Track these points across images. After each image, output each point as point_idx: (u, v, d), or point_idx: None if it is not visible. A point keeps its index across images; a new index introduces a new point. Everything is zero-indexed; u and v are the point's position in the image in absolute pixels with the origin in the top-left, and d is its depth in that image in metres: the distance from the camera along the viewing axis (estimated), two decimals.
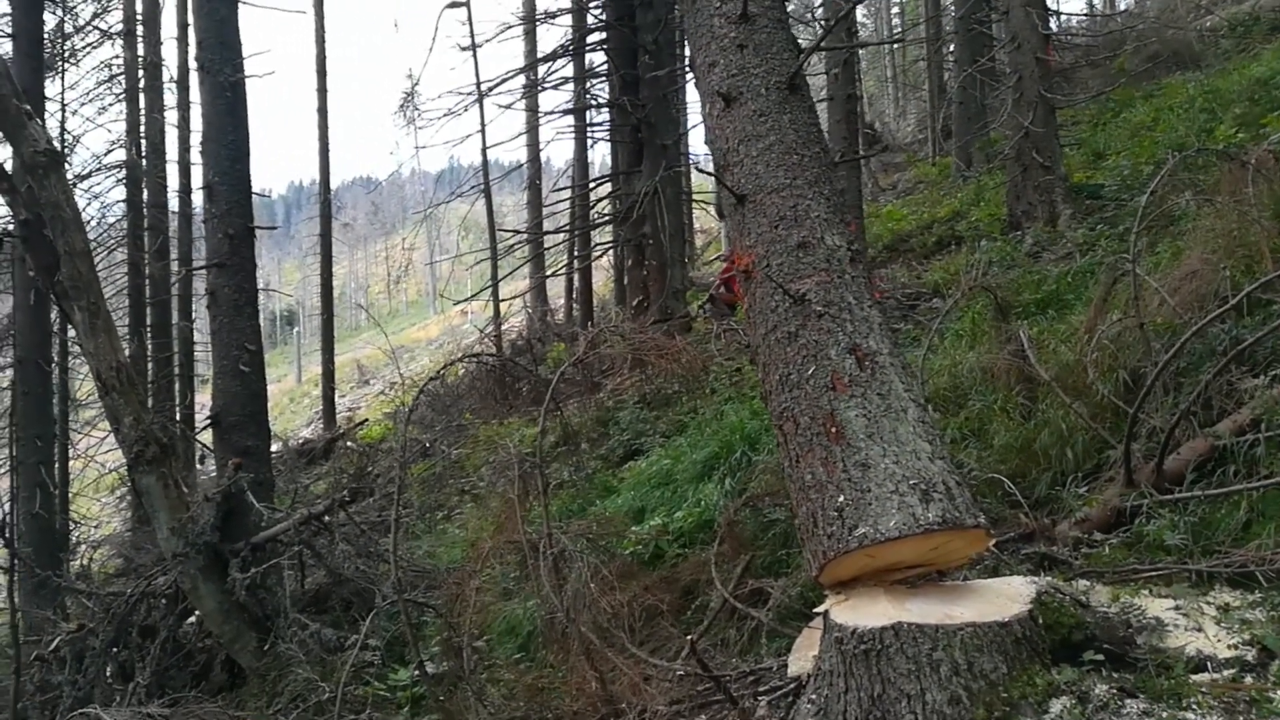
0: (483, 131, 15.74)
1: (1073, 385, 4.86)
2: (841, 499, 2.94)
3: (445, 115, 14.30)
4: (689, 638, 3.78)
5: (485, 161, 16.19)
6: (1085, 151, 11.81)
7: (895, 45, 28.90)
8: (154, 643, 6.19)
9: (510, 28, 14.76)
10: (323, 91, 18.69)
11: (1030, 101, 9.71)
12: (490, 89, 14.56)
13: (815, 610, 3.09)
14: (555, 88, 15.06)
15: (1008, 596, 2.80)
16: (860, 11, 29.60)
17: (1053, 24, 13.68)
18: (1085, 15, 21.41)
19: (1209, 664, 2.60)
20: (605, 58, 12.99)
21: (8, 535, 8.17)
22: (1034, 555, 3.96)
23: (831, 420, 3.08)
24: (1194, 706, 2.36)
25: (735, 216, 3.75)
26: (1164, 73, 13.80)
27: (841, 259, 3.43)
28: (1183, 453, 4.11)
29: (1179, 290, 4.95)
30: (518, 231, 16.68)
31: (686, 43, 4.34)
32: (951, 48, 18.58)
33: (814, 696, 2.88)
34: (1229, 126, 8.99)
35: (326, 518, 6.63)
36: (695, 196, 19.03)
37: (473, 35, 15.79)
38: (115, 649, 6.28)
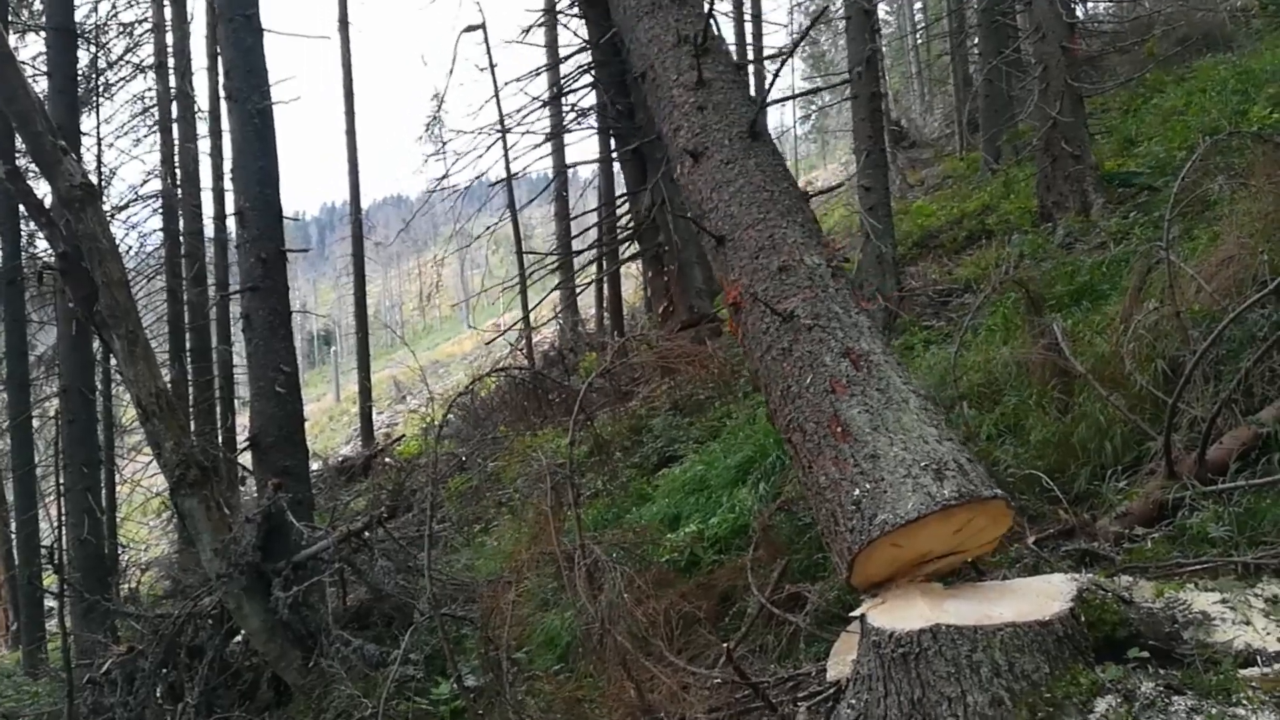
0: (507, 162, 15.76)
1: (1109, 377, 4.78)
2: (857, 492, 2.98)
3: (464, 162, 14.65)
4: (726, 645, 3.77)
5: (510, 192, 16.13)
6: (1116, 139, 11.62)
7: (920, 41, 28.72)
8: (202, 663, 6.28)
9: (535, 72, 15.21)
10: (350, 114, 18.91)
11: (1057, 91, 9.58)
12: (510, 128, 15.02)
13: (852, 614, 3.06)
14: (575, 114, 15.19)
15: (1048, 595, 2.76)
16: (883, 9, 29.45)
17: (1078, 11, 13.51)
18: (1111, 1, 21.05)
19: (1259, 657, 2.54)
20: (600, 89, 13.30)
21: (57, 562, 8.37)
22: (1074, 551, 3.89)
23: (836, 421, 3.14)
24: (1244, 702, 2.30)
25: (719, 258, 3.88)
26: (1195, 56, 13.54)
27: (823, 275, 3.55)
28: (1225, 442, 4.03)
29: (1216, 276, 4.86)
30: (542, 253, 16.73)
31: (654, 116, 4.71)
32: (975, 40, 18.41)
33: (853, 701, 2.86)
34: (1263, 108, 8.83)
35: (366, 534, 6.68)
36: None
37: (490, 59, 15.92)
38: (164, 670, 6.37)
